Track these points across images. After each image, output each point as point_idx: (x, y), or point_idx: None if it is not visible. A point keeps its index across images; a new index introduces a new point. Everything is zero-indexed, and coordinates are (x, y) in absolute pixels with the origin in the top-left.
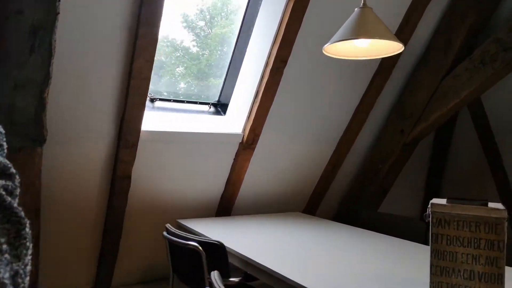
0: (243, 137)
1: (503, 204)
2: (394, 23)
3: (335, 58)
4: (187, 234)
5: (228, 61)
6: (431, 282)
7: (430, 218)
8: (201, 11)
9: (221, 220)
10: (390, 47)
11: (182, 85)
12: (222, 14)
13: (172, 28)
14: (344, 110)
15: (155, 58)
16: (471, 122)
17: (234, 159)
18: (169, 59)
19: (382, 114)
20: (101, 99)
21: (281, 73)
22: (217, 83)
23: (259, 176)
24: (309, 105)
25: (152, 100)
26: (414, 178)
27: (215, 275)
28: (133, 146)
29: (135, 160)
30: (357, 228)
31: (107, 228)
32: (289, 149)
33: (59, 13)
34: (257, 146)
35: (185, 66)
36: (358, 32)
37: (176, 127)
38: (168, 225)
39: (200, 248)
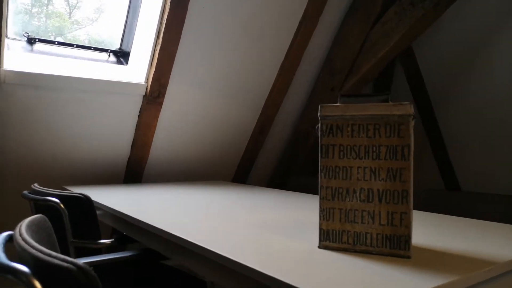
0: (146, 88)
1: (440, 169)
2: None
3: None
4: (51, 190)
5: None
6: (321, 209)
7: (319, 126)
8: None
9: (123, 187)
10: None
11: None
12: None
13: None
14: (268, 64)
15: None
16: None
17: (138, 116)
18: None
19: (310, 73)
20: None
21: (185, 7)
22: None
23: (172, 139)
24: (223, 55)
25: (31, 41)
26: None
27: None
28: None
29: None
30: (282, 191)
31: None
32: (206, 108)
33: None
34: (165, 101)
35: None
36: None
37: (57, 71)
38: (35, 185)
39: (62, 205)
